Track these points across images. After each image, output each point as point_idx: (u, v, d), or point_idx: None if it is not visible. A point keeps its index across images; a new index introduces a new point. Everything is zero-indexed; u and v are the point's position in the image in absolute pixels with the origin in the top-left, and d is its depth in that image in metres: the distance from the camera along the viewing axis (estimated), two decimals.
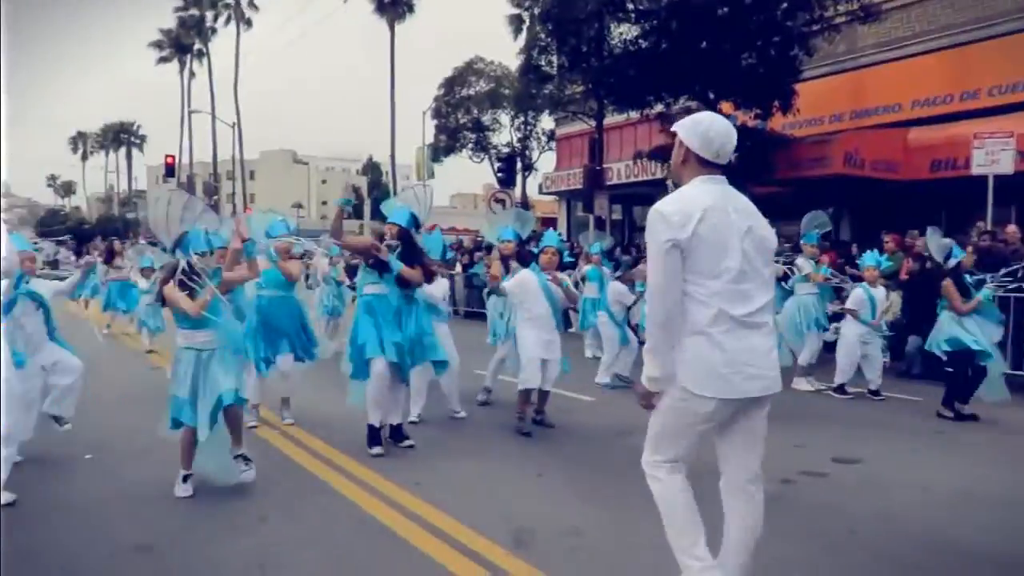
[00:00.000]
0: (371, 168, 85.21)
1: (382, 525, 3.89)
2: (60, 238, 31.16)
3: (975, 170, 10.04)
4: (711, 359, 2.60)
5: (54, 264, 23.02)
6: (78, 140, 78.40)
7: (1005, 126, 10.66)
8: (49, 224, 67.73)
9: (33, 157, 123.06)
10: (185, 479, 4.39)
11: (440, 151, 29.56)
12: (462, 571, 3.36)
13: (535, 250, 6.93)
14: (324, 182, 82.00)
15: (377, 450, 5.18)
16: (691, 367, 2.63)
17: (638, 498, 3.24)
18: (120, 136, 70.89)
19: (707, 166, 2.75)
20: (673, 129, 2.85)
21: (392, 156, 37.66)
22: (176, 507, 4.18)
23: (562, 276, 6.15)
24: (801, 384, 7.76)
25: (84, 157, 79.38)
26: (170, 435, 4.40)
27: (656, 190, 13.91)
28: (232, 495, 4.33)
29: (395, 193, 44.48)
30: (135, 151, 71.94)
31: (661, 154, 14.65)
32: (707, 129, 2.74)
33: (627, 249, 16.18)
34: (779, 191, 14.00)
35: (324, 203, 73.34)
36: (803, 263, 7.99)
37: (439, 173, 31.63)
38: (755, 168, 13.33)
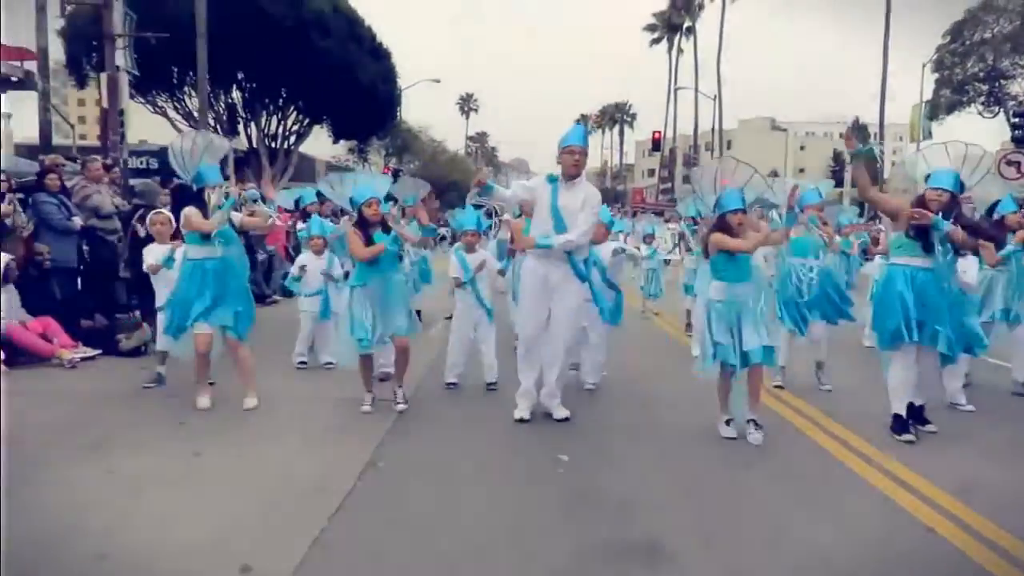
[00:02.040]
0: (858, 130, 79.00)
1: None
2: None
3: None
4: None
5: None
6: (581, 121, 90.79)
7: None
8: None
9: (549, 137, 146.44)
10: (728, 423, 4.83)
11: (941, 108, 26.39)
12: None
13: None
14: (802, 148, 79.20)
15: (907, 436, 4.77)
16: None
17: None
18: (615, 115, 79.66)
19: None
20: None
21: (881, 116, 34.75)
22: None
23: None
24: None
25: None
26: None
27: None
28: None
29: (882, 159, 40.97)
30: (626, 128, 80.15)
31: None
32: None
33: None
34: None
35: (801, 170, 71.11)
36: None
37: (939, 134, 28.30)
38: None
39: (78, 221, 7.31)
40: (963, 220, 4.72)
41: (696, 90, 47.40)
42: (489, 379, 6.11)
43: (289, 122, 26.76)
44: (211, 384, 5.37)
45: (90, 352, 6.74)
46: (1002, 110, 24.75)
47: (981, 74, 24.89)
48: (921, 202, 4.62)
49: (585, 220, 4.94)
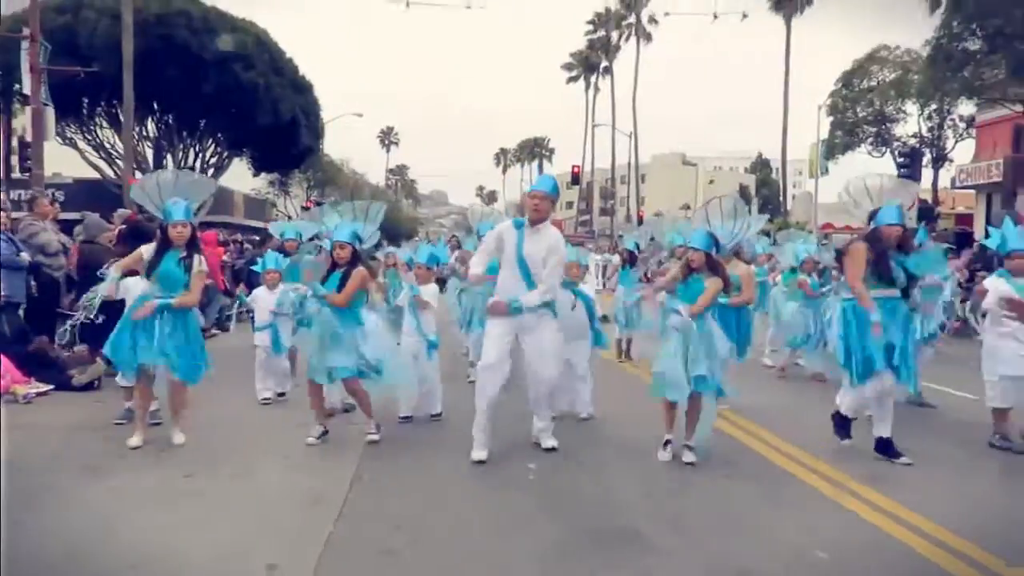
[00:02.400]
0: (760, 166, 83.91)
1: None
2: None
3: None
4: None
5: None
6: (500, 155, 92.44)
7: None
8: None
9: (467, 171, 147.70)
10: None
11: (837, 148, 28.75)
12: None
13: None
14: (711, 182, 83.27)
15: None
16: None
17: None
18: (534, 150, 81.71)
19: None
20: None
21: (783, 153, 37.45)
22: None
23: None
24: None
25: (504, 170, 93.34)
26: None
27: None
28: None
29: (785, 193, 43.64)
30: (545, 162, 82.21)
31: None
32: None
33: None
34: None
35: (708, 202, 74.39)
36: None
37: (834, 171, 30.69)
38: None
39: (26, 257, 7.29)
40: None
41: (613, 127, 49.39)
42: (432, 411, 6.09)
43: (207, 154, 26.39)
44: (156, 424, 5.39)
45: (43, 387, 6.69)
46: (888, 150, 27.28)
47: (869, 118, 27.36)
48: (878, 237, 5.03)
49: (550, 275, 4.98)
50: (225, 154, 27.13)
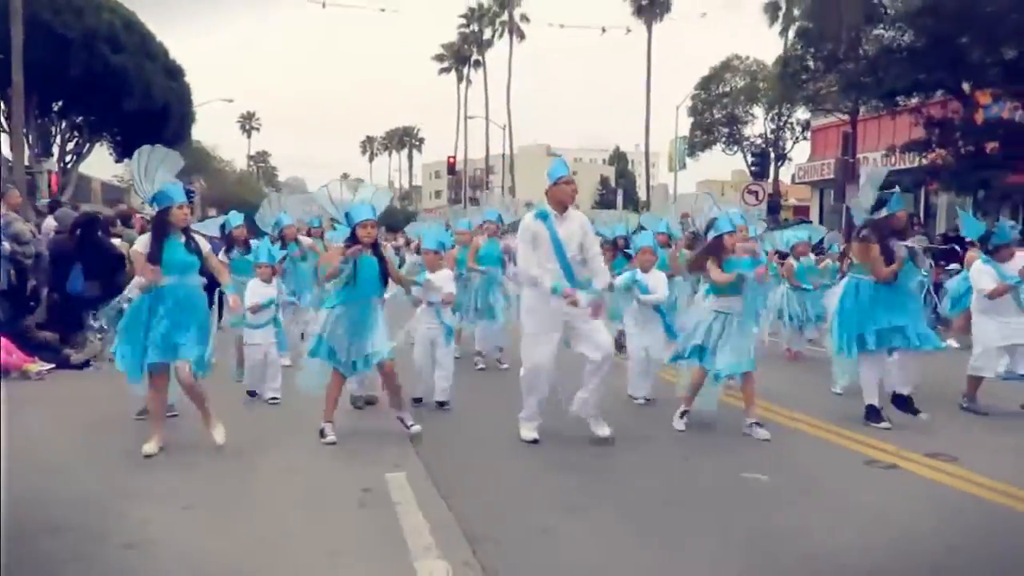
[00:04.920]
0: (617, 158, 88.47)
1: None
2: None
3: None
4: None
5: None
6: (366, 143, 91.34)
7: None
8: None
9: (329, 160, 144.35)
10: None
11: (696, 145, 31.70)
12: None
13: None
14: (575, 173, 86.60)
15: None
16: None
17: None
18: (403, 139, 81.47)
19: None
20: None
21: (646, 149, 40.31)
22: None
23: None
24: None
25: (371, 158, 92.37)
26: None
27: (910, 178, 14.79)
28: None
29: (648, 185, 46.84)
30: (415, 152, 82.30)
31: (914, 147, 15.69)
32: None
33: None
34: None
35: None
36: None
37: (692, 165, 33.76)
38: (1013, 158, 14.00)
39: (7, 246, 7.45)
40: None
41: (487, 119, 50.66)
42: (440, 398, 6.07)
43: (68, 139, 24.97)
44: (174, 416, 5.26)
45: (46, 366, 7.04)
46: (739, 149, 30.57)
47: (724, 119, 30.45)
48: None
49: (596, 256, 5.13)
50: (86, 140, 25.75)
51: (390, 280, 5.31)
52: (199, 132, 36.95)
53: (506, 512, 4.08)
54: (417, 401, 6.08)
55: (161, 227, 4.75)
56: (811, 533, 3.74)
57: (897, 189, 5.78)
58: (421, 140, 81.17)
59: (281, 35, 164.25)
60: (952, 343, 8.50)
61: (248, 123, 78.86)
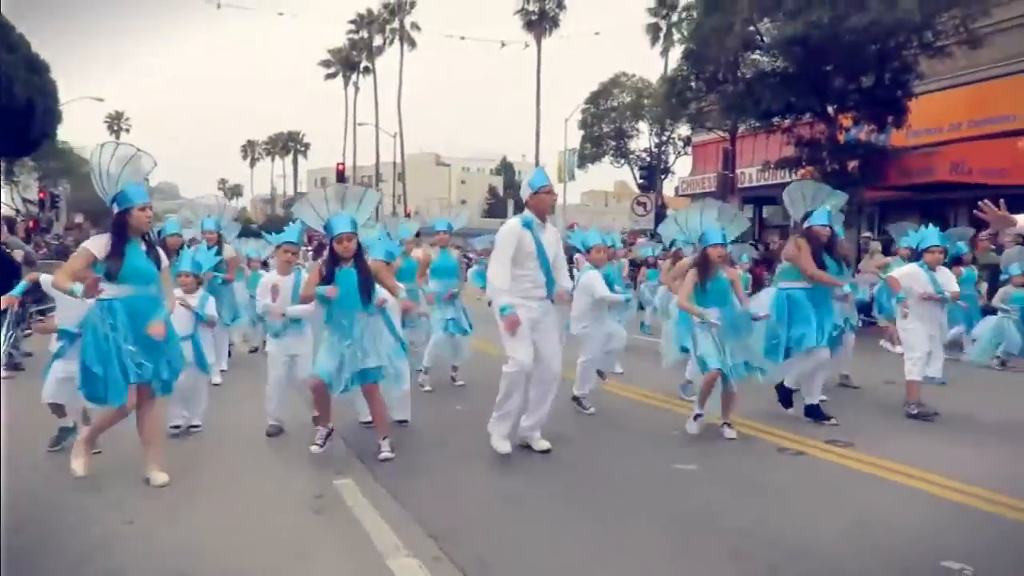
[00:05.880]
0: (505, 168, 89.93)
1: None
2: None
3: None
4: None
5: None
6: (247, 148, 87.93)
7: None
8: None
9: (206, 165, 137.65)
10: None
11: (587, 157, 32.87)
12: None
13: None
14: (463, 182, 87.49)
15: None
16: None
17: None
18: (288, 144, 79.04)
19: None
20: None
21: (536, 159, 41.33)
22: None
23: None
24: None
25: (252, 164, 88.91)
26: None
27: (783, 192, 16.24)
28: None
29: None
30: (300, 157, 79.95)
31: (787, 164, 17.11)
32: None
33: (756, 245, 18.62)
34: (892, 196, 16.01)
35: (463, 202, 78.72)
36: None
37: (580, 176, 34.97)
38: (870, 176, 15.58)
39: None
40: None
41: (377, 127, 50.11)
42: (400, 416, 5.79)
43: None
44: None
45: None
46: (626, 162, 32.02)
47: (612, 133, 31.78)
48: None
49: (563, 265, 5.28)
50: None
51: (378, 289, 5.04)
52: (66, 133, 34.60)
53: (458, 508, 4.26)
54: (368, 424, 5.61)
55: (122, 231, 4.27)
56: (736, 511, 4.17)
57: (827, 205, 6.12)
58: (307, 145, 79.07)
59: (165, 34, 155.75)
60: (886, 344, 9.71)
61: (116, 123, 73.97)
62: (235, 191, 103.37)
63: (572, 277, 6.05)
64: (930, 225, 6.97)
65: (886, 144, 16.03)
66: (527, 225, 5.04)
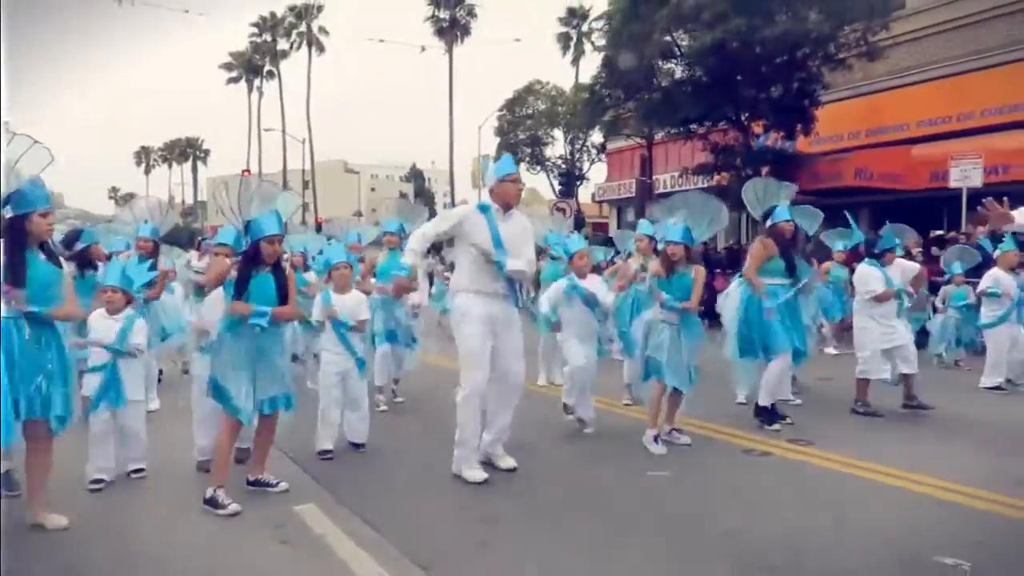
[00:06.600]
0: (414, 176, 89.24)
1: None
2: None
3: (952, 184, 12.88)
4: None
5: None
6: (141, 154, 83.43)
7: (995, 144, 13.49)
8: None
9: (95, 170, 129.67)
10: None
11: None
12: None
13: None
14: (373, 189, 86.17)
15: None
16: None
17: None
18: (186, 150, 75.53)
19: None
20: None
21: (451, 166, 41.10)
22: None
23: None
24: None
25: (147, 171, 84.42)
26: None
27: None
28: None
29: (453, 201, 47.82)
30: (199, 164, 76.56)
31: (703, 169, 17.66)
32: None
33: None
34: (800, 200, 16.77)
35: (373, 210, 77.40)
36: None
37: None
38: (783, 181, 16.29)
39: None
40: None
41: (284, 132, 48.57)
42: (356, 440, 5.41)
43: None
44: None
45: None
46: (542, 168, 32.26)
47: (527, 140, 31.96)
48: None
49: (530, 251, 4.87)
50: None
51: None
52: None
53: (438, 534, 4.03)
54: (326, 454, 5.24)
55: (18, 238, 3.72)
56: (720, 515, 4.15)
57: (786, 202, 6.07)
58: (206, 152, 75.82)
59: (59, 31, 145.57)
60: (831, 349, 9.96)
61: None
62: (127, 200, 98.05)
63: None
64: (853, 227, 7.59)
65: (793, 150, 16.80)
66: (483, 210, 4.72)
